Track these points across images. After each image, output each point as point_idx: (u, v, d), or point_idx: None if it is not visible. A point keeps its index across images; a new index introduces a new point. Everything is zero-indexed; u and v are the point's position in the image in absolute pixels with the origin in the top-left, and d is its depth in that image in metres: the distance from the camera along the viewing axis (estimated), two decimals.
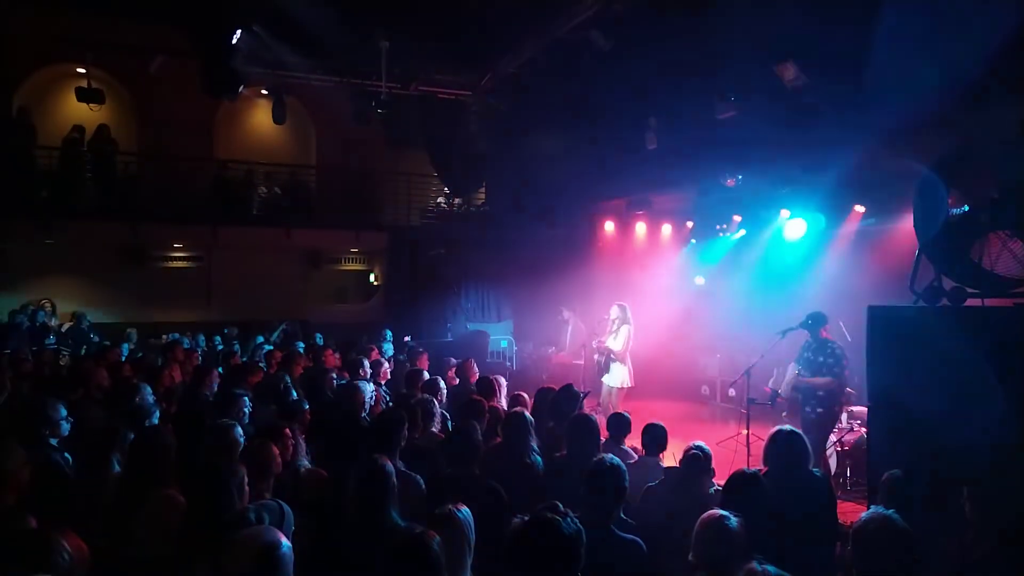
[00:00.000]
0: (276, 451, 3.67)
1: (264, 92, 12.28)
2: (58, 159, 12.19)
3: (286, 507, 2.93)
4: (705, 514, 2.84)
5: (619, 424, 5.03)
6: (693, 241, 12.55)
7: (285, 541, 2.45)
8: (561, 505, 2.54)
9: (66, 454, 4.05)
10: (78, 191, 12.31)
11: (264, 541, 2.40)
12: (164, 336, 11.38)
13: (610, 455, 3.45)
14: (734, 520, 2.78)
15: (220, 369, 7.05)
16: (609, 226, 12.85)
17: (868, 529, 2.78)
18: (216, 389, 6.09)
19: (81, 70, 12.60)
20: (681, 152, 9.13)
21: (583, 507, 3.19)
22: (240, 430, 3.98)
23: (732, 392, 9.19)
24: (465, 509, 2.82)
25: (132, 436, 3.80)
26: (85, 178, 12.43)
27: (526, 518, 2.50)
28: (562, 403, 5.20)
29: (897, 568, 2.69)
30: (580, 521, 2.50)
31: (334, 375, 6.61)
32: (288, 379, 6.36)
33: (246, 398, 5.11)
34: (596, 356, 9.71)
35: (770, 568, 2.34)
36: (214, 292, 14.44)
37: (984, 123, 5.94)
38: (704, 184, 9.47)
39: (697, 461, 4.07)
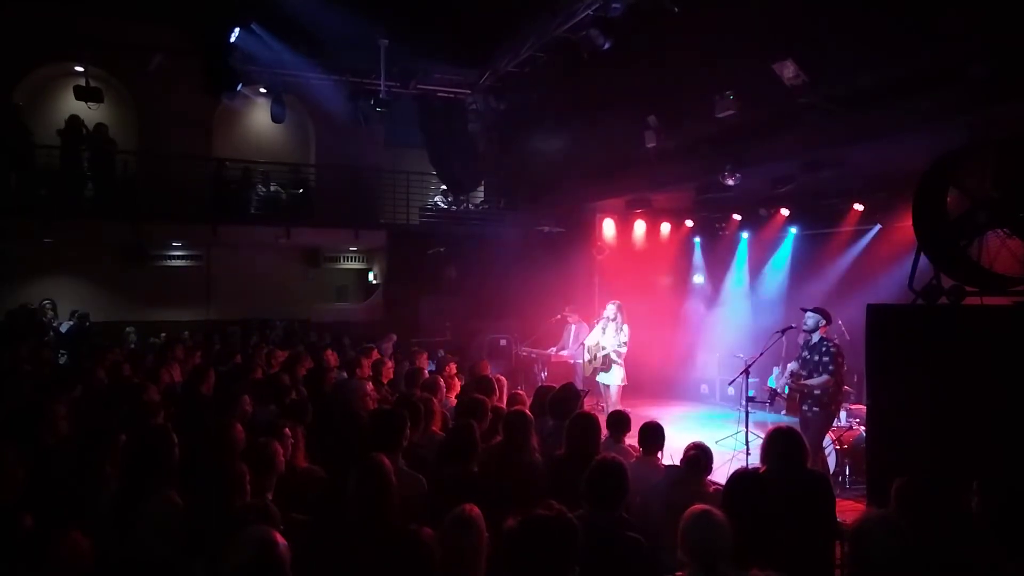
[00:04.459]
0: (279, 450, 3.67)
1: (263, 91, 12.27)
2: (58, 156, 12.18)
3: (272, 507, 2.94)
4: (690, 509, 2.85)
5: (618, 422, 5.03)
6: (698, 240, 12.55)
7: (282, 540, 2.45)
8: (556, 502, 2.54)
9: (65, 454, 4.04)
10: (77, 189, 12.30)
11: (261, 539, 2.41)
12: (162, 334, 11.41)
13: (612, 454, 3.46)
14: (719, 514, 2.79)
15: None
16: (608, 225, 12.84)
17: (866, 528, 2.79)
18: (213, 388, 6.10)
19: (79, 68, 12.59)
20: (680, 150, 9.13)
21: (586, 505, 3.20)
22: None
23: (731, 391, 9.19)
24: (477, 510, 2.82)
25: (132, 436, 3.80)
26: (84, 174, 12.42)
27: (521, 517, 2.50)
28: (562, 402, 5.20)
29: (895, 568, 2.69)
30: (583, 519, 2.50)
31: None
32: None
33: None
34: (587, 356, 9.75)
35: None
36: (214, 291, 14.45)
37: (985, 122, 5.94)
38: (704, 183, 9.46)
39: (698, 460, 4.10)
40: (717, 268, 12.40)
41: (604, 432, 4.87)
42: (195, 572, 2.82)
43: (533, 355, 11.50)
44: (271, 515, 2.90)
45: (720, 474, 4.66)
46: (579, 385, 6.68)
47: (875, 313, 5.02)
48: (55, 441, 4.17)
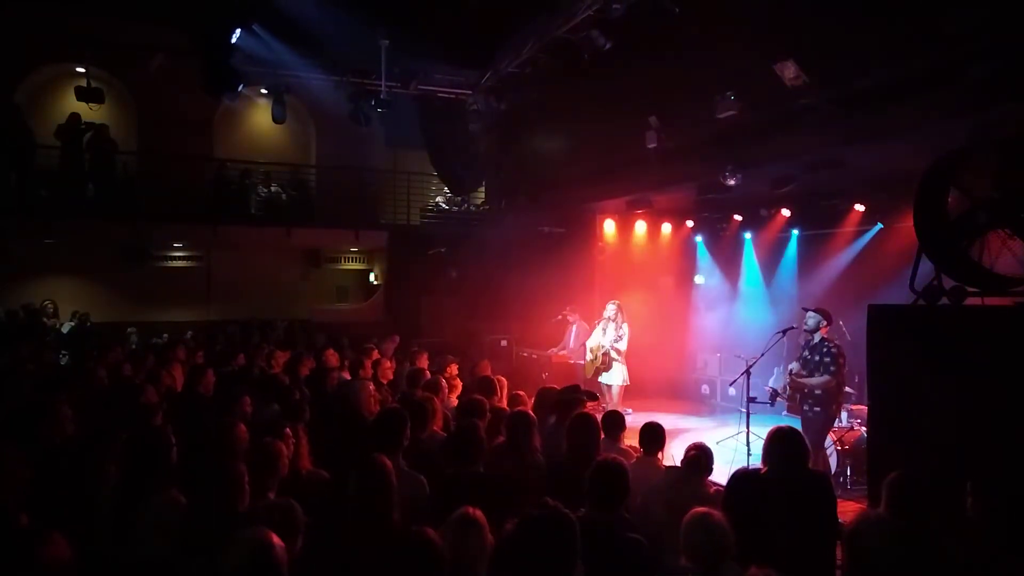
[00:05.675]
0: (283, 450, 3.68)
1: (264, 91, 12.28)
2: (58, 156, 12.20)
3: (296, 506, 2.94)
4: (690, 511, 2.86)
5: (613, 422, 5.02)
6: (699, 241, 12.54)
7: (278, 541, 2.45)
8: (553, 502, 2.54)
9: (66, 455, 4.05)
10: (78, 190, 12.31)
11: (257, 542, 2.41)
12: (164, 335, 11.41)
13: (613, 455, 3.45)
14: (718, 515, 2.79)
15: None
16: (609, 225, 12.85)
17: (861, 529, 2.79)
18: (212, 389, 6.11)
19: (80, 69, 12.60)
20: (681, 151, 9.13)
21: (587, 506, 3.20)
22: None
23: (732, 391, 9.19)
24: (479, 512, 2.83)
25: (131, 436, 3.80)
26: (84, 174, 12.42)
27: (521, 517, 2.50)
28: (568, 404, 5.18)
29: (892, 568, 2.69)
30: (584, 520, 2.51)
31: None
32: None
33: None
34: (589, 355, 9.77)
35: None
36: (214, 292, 14.46)
37: (985, 123, 5.93)
38: (704, 183, 9.46)
39: (698, 461, 4.10)
40: (718, 269, 12.39)
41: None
42: (195, 572, 2.83)
43: (534, 356, 11.50)
44: (295, 514, 2.91)
45: (721, 475, 4.66)
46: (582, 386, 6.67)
47: (876, 313, 5.02)
48: (60, 441, 4.17)
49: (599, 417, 4.87)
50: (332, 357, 7.74)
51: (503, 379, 6.29)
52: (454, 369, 7.24)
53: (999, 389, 4.11)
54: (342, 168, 14.83)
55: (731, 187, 8.64)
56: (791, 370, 7.03)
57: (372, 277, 16.06)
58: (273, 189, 14.02)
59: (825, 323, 6.95)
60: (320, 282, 15.71)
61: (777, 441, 3.84)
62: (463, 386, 6.87)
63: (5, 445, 3.38)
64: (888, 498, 3.21)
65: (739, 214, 11.34)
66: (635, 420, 6.18)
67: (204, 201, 13.29)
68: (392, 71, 10.53)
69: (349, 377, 6.83)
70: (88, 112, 11.99)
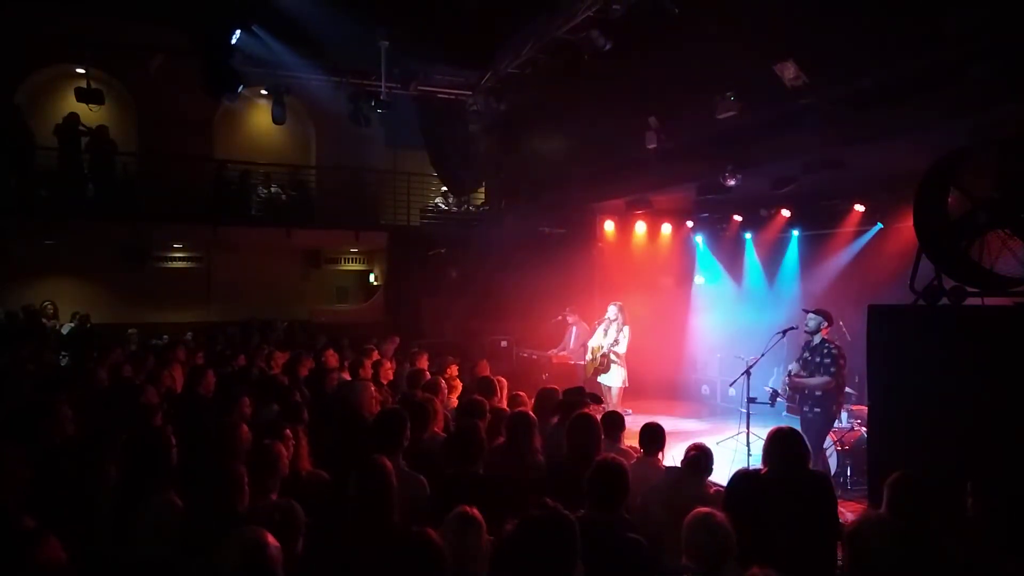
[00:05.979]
0: (283, 452, 3.68)
1: (264, 92, 12.29)
2: (57, 156, 12.20)
3: (297, 507, 2.94)
4: (692, 512, 2.86)
5: (613, 423, 5.01)
6: (698, 241, 12.54)
7: (273, 541, 2.44)
8: (551, 501, 2.54)
9: (66, 455, 4.05)
10: (78, 190, 12.31)
11: (251, 541, 2.40)
12: (164, 336, 11.42)
13: (612, 455, 3.45)
14: (721, 516, 2.79)
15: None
16: (609, 225, 12.84)
17: (862, 529, 2.79)
18: (213, 390, 6.11)
19: (80, 70, 12.60)
20: (681, 151, 9.13)
21: (587, 506, 3.20)
22: None
23: (732, 392, 9.18)
24: (476, 511, 2.83)
25: (131, 437, 3.80)
26: (84, 175, 12.42)
27: (518, 519, 2.50)
28: (571, 405, 5.17)
29: (892, 569, 2.69)
30: (584, 520, 2.50)
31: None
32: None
33: None
34: (588, 357, 9.77)
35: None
36: (214, 292, 14.47)
37: (986, 123, 5.93)
38: (704, 183, 9.46)
39: (698, 461, 4.10)
40: (717, 269, 12.39)
41: None
42: (194, 572, 2.83)
43: (534, 356, 11.49)
44: (296, 515, 2.91)
45: (721, 475, 4.66)
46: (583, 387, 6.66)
47: (876, 314, 5.02)
48: (60, 441, 4.17)
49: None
50: (332, 358, 7.74)
51: (503, 380, 6.28)
52: (454, 370, 7.24)
53: (999, 389, 4.11)
54: (342, 168, 14.83)
55: (731, 187, 8.63)
56: (790, 371, 7.03)
57: (372, 278, 16.07)
58: (273, 190, 14.02)
59: (826, 324, 6.95)
60: (320, 283, 15.72)
61: (777, 442, 3.84)
62: (463, 387, 6.87)
63: (5, 445, 3.38)
64: (888, 498, 3.21)
65: (739, 214, 11.34)
66: (635, 421, 6.17)
67: (204, 201, 13.30)
68: (392, 72, 10.53)
69: (349, 378, 6.83)
70: (88, 113, 12.00)
